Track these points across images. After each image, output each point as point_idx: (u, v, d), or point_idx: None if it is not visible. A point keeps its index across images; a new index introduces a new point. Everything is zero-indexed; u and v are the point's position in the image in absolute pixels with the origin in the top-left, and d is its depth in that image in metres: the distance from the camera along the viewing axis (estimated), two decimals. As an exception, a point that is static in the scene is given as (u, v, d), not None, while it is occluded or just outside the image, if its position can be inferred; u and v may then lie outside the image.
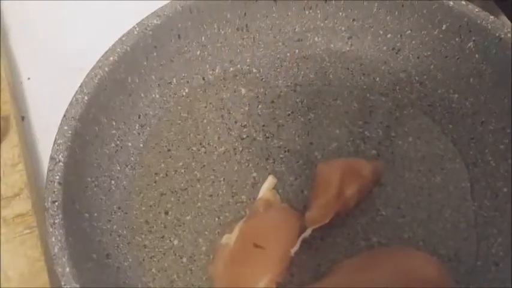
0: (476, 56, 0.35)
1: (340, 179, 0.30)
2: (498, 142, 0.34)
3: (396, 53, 0.39)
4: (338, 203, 0.30)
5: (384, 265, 0.30)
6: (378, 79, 0.39)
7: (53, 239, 0.27)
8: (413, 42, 0.38)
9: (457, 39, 0.36)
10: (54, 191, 0.29)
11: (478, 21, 0.34)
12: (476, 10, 0.35)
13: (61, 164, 0.29)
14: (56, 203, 0.28)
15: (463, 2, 0.35)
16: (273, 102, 0.38)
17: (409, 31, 0.38)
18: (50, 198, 0.28)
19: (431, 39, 0.37)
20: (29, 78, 0.43)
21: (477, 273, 0.31)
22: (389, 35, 0.38)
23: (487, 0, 0.45)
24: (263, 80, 0.39)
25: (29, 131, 0.40)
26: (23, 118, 0.41)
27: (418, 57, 0.38)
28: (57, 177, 0.29)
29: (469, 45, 0.35)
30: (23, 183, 0.36)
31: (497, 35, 0.33)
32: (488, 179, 0.34)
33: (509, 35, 0.33)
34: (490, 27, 0.34)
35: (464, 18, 0.35)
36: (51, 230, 0.28)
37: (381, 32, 0.39)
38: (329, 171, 0.31)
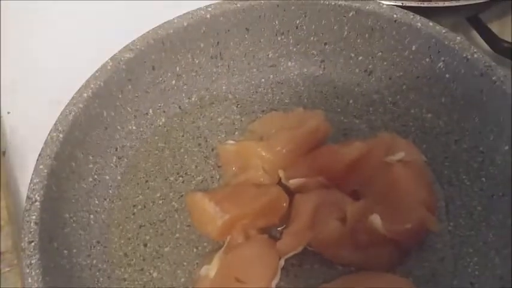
0: (447, 75, 0.36)
1: (313, 210, 0.30)
2: (472, 161, 0.35)
3: (368, 75, 0.39)
4: (310, 233, 0.30)
5: (362, 289, 0.30)
6: (351, 101, 0.39)
7: (29, 280, 0.28)
8: (385, 63, 0.38)
9: (427, 59, 0.36)
10: (30, 231, 0.29)
11: (446, 42, 0.35)
12: (444, 31, 0.35)
13: (37, 203, 0.30)
14: (33, 243, 0.28)
15: (431, 24, 0.36)
16: (249, 128, 0.38)
17: (380, 53, 0.38)
18: (26, 239, 0.29)
19: (402, 60, 0.38)
20: (8, 113, 0.44)
21: (454, 293, 0.31)
22: (360, 58, 0.39)
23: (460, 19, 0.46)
24: (239, 106, 0.40)
25: (10, 166, 0.41)
26: (3, 153, 0.41)
27: (390, 78, 0.39)
28: (34, 217, 0.29)
29: (439, 65, 0.36)
30: (4, 220, 0.36)
31: (464, 55, 0.34)
32: (463, 198, 0.34)
33: (475, 55, 0.34)
34: (457, 47, 0.34)
35: (432, 39, 0.35)
36: (27, 270, 0.28)
37: (353, 55, 0.39)
38: (303, 201, 0.31)
